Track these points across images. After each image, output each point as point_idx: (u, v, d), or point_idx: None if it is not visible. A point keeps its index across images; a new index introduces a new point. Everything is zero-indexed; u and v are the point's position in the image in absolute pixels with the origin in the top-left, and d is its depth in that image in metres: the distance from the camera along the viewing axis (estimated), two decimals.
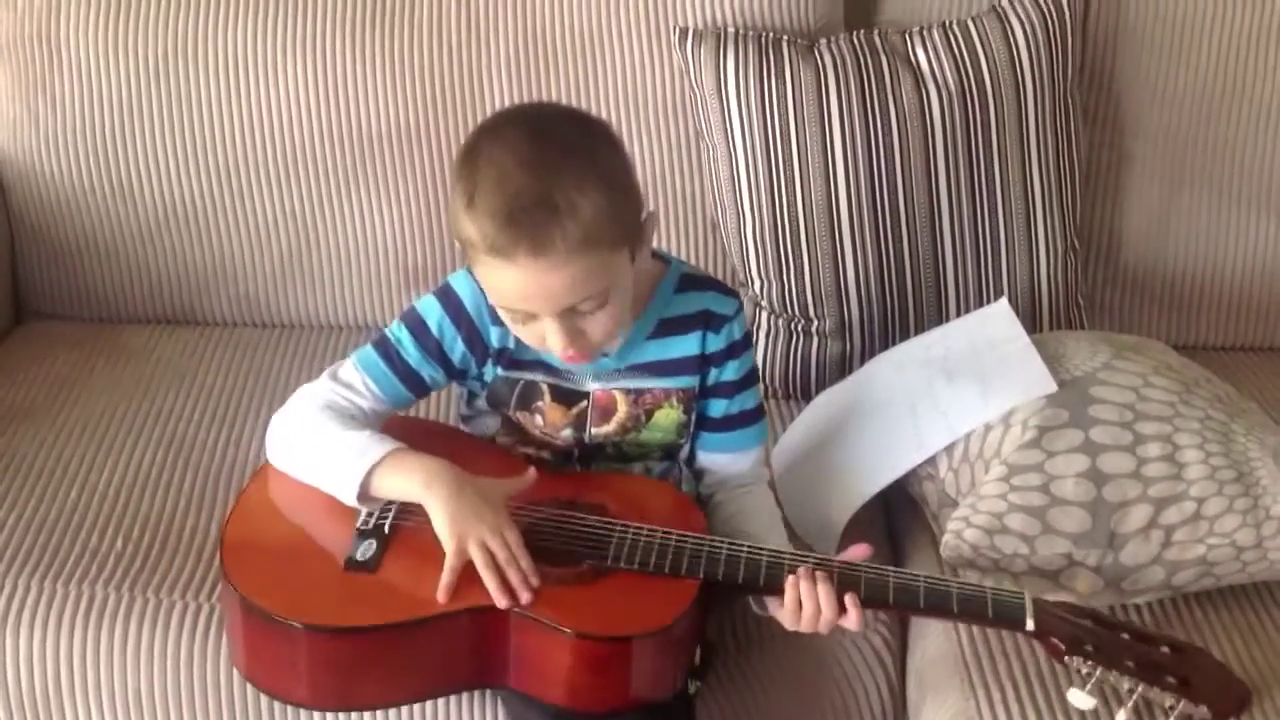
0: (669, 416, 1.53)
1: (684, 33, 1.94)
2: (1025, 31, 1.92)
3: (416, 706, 1.52)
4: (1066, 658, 1.36)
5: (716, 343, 1.52)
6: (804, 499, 1.71)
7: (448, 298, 1.48)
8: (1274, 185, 2.06)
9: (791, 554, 1.42)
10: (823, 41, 1.94)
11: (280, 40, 1.98)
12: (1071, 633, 1.37)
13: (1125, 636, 1.38)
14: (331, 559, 1.41)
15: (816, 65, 1.90)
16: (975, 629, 1.52)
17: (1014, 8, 1.94)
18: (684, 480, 1.60)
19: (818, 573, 1.37)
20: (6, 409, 1.88)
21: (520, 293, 1.35)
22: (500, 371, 1.50)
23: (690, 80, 1.94)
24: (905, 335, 1.92)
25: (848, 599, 1.36)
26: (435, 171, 2.00)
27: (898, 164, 1.89)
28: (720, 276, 2.01)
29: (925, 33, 1.94)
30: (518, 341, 1.47)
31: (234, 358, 2.00)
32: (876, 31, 1.97)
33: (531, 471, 1.45)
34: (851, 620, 1.37)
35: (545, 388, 1.51)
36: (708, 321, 1.52)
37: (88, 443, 1.80)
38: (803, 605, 1.37)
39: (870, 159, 1.89)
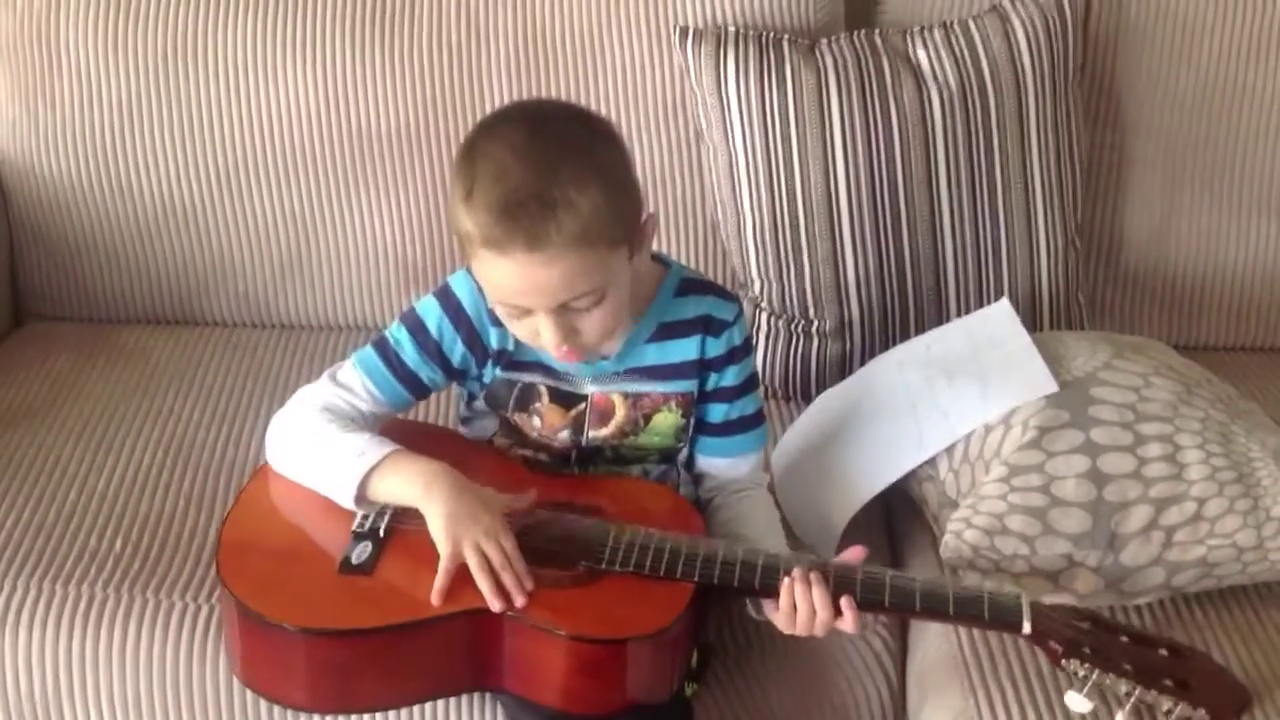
0: (667, 420, 1.53)
1: (684, 32, 1.93)
2: (1026, 31, 1.92)
3: (415, 709, 1.52)
4: (1064, 660, 1.35)
5: (716, 347, 1.52)
6: (804, 500, 1.71)
7: (447, 299, 1.48)
8: (1275, 186, 2.06)
9: (787, 556, 1.42)
10: (823, 41, 1.94)
11: (280, 41, 1.98)
12: (1069, 635, 1.36)
13: (1123, 639, 1.37)
14: (327, 562, 1.41)
15: (817, 65, 1.90)
16: (976, 631, 1.52)
17: (1015, 7, 1.94)
18: (682, 483, 1.60)
19: (812, 575, 1.37)
20: (6, 410, 1.88)
21: (515, 287, 1.35)
22: (499, 373, 1.50)
23: (690, 80, 1.94)
24: (905, 335, 1.91)
25: (843, 602, 1.36)
26: (435, 172, 2.00)
27: (898, 164, 1.89)
28: (720, 277, 2.01)
29: (926, 32, 1.94)
30: (517, 343, 1.47)
31: (233, 358, 2.00)
32: (877, 31, 1.96)
33: (532, 493, 1.44)
34: (848, 623, 1.37)
35: (544, 390, 1.51)
36: (707, 326, 1.51)
37: (87, 444, 1.80)
38: (797, 608, 1.37)
39: (871, 159, 1.89)
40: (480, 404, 1.55)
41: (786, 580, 1.37)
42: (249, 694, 1.51)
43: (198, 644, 1.54)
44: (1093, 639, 1.37)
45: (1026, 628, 1.36)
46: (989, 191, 1.92)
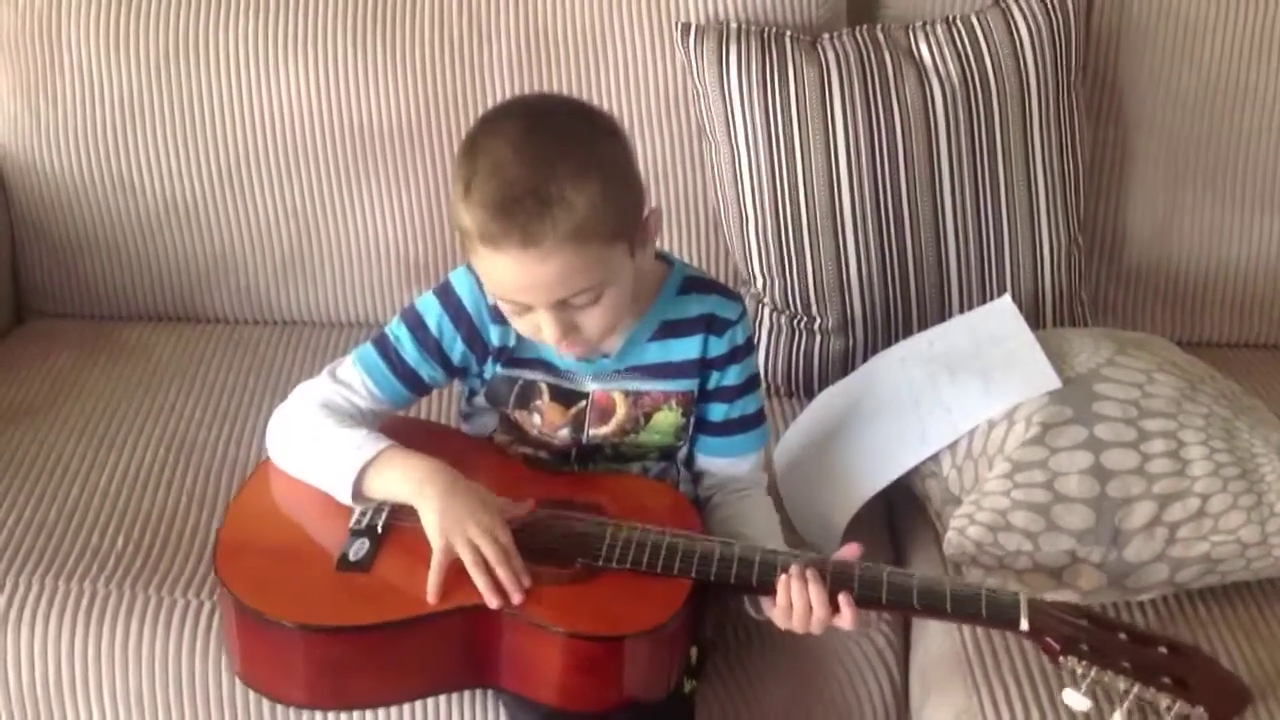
0: (668, 419, 1.53)
1: (686, 28, 1.93)
2: (1029, 27, 1.92)
3: (415, 706, 1.52)
4: (1061, 658, 1.35)
5: (718, 347, 1.52)
6: (806, 497, 1.71)
7: (447, 296, 1.47)
8: (1278, 183, 2.06)
9: (784, 553, 1.41)
10: (826, 37, 1.94)
11: (282, 36, 1.98)
12: (1067, 633, 1.36)
13: (1122, 636, 1.37)
14: (325, 559, 1.41)
15: (819, 61, 1.90)
16: (978, 627, 1.52)
17: (1017, 3, 1.94)
18: (681, 481, 1.59)
19: (809, 572, 1.37)
20: (7, 407, 1.88)
21: (512, 283, 1.35)
22: (500, 370, 1.50)
23: (693, 76, 1.94)
24: (908, 332, 1.91)
25: (841, 599, 1.36)
26: (437, 167, 2.00)
27: (901, 160, 1.89)
28: (722, 273, 2.01)
29: (928, 28, 1.94)
30: (519, 340, 1.47)
31: (235, 355, 2.00)
32: (879, 26, 1.96)
33: (529, 503, 1.44)
34: (845, 620, 1.36)
35: (544, 387, 1.50)
36: (710, 325, 1.51)
37: (89, 441, 1.80)
38: (794, 605, 1.36)
39: (873, 155, 1.89)
40: (480, 400, 1.55)
41: (783, 577, 1.37)
42: (250, 691, 1.51)
43: (199, 640, 1.54)
44: (1091, 636, 1.36)
45: (1024, 625, 1.36)
46: (991, 187, 1.92)
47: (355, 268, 2.06)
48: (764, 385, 1.72)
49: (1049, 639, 1.36)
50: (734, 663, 1.55)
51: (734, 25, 1.93)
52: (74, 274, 2.09)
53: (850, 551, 1.41)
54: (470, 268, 1.44)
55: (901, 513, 1.77)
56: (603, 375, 1.50)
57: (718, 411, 1.55)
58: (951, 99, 1.90)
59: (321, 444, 1.45)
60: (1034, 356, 1.63)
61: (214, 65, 1.99)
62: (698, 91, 1.94)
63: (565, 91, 1.97)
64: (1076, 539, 1.52)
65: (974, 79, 1.90)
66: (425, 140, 1.99)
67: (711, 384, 1.53)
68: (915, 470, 1.65)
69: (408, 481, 1.40)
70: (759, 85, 1.89)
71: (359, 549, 1.41)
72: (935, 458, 1.64)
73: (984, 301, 1.92)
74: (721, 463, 1.57)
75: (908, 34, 1.94)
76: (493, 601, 1.34)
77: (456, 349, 1.49)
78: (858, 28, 1.96)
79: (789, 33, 1.93)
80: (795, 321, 1.96)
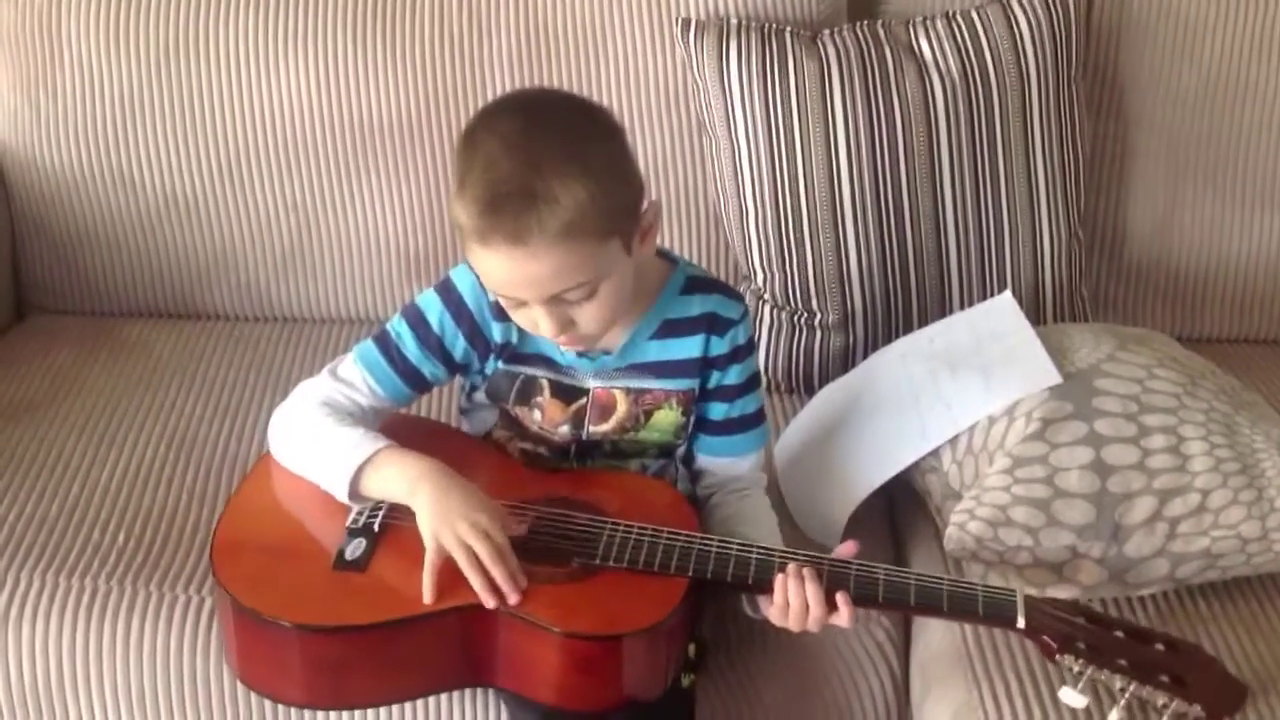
0: (668, 418, 1.53)
1: (686, 24, 1.93)
2: (1029, 22, 1.92)
3: (414, 705, 1.52)
4: (1058, 656, 1.35)
5: (720, 346, 1.51)
6: (807, 493, 1.71)
7: (448, 293, 1.47)
8: (1278, 180, 2.06)
9: (781, 551, 1.41)
10: (826, 32, 1.94)
11: (282, 31, 1.98)
12: (1064, 631, 1.36)
13: (1119, 634, 1.37)
14: (321, 558, 1.41)
15: (820, 56, 1.90)
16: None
17: None
18: (679, 479, 1.59)
19: (806, 570, 1.37)
20: (8, 404, 1.87)
21: (504, 279, 1.35)
22: (501, 366, 1.50)
23: (693, 72, 1.94)
24: (909, 328, 1.91)
25: (839, 597, 1.36)
26: (438, 162, 2.00)
27: (901, 156, 1.89)
28: (723, 269, 2.01)
29: (929, 23, 1.94)
30: (521, 336, 1.47)
31: (236, 352, 2.00)
32: (880, 22, 1.96)
33: (524, 527, 1.42)
34: (842, 618, 1.36)
35: (545, 383, 1.50)
36: (712, 325, 1.51)
37: (89, 437, 1.80)
38: (790, 603, 1.36)
39: (873, 151, 1.89)
40: (480, 396, 1.55)
41: (780, 576, 1.37)
42: None
43: (200, 636, 1.54)
44: (1088, 634, 1.36)
45: (1021, 622, 1.36)
46: (992, 183, 1.92)
47: (355, 263, 2.06)
48: (764, 382, 1.72)
49: (1046, 637, 1.36)
50: (734, 658, 1.55)
51: (734, 20, 1.93)
52: (74, 270, 2.09)
53: (847, 550, 1.41)
54: (471, 265, 1.44)
55: (902, 508, 1.77)
56: (604, 372, 1.50)
57: (718, 410, 1.55)
58: (952, 94, 1.90)
59: (320, 443, 1.45)
60: (1034, 352, 1.63)
61: (214, 60, 1.99)
62: (698, 87, 1.94)
63: (565, 87, 1.96)
64: (1077, 534, 1.52)
65: (974, 74, 1.90)
66: (425, 135, 1.99)
67: (712, 383, 1.53)
68: (916, 466, 1.66)
69: (403, 481, 1.40)
70: (759, 80, 1.88)
71: (356, 548, 1.41)
72: (936, 453, 1.64)
73: (984, 297, 1.92)
74: (721, 462, 1.57)
75: (908, 29, 1.94)
76: (488, 601, 1.34)
77: (458, 346, 1.48)
78: (858, 23, 1.96)
79: (789, 28, 1.93)
80: (796, 318, 1.96)
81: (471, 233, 1.32)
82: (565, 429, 1.52)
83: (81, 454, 1.77)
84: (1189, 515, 1.52)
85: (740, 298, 1.55)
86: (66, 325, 2.07)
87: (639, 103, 1.99)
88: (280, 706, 1.52)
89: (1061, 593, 1.53)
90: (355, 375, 1.49)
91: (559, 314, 1.36)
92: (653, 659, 1.39)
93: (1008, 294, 1.78)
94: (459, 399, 1.61)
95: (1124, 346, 1.65)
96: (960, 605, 1.38)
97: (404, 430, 1.50)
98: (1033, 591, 1.48)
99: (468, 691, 1.51)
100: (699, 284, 1.52)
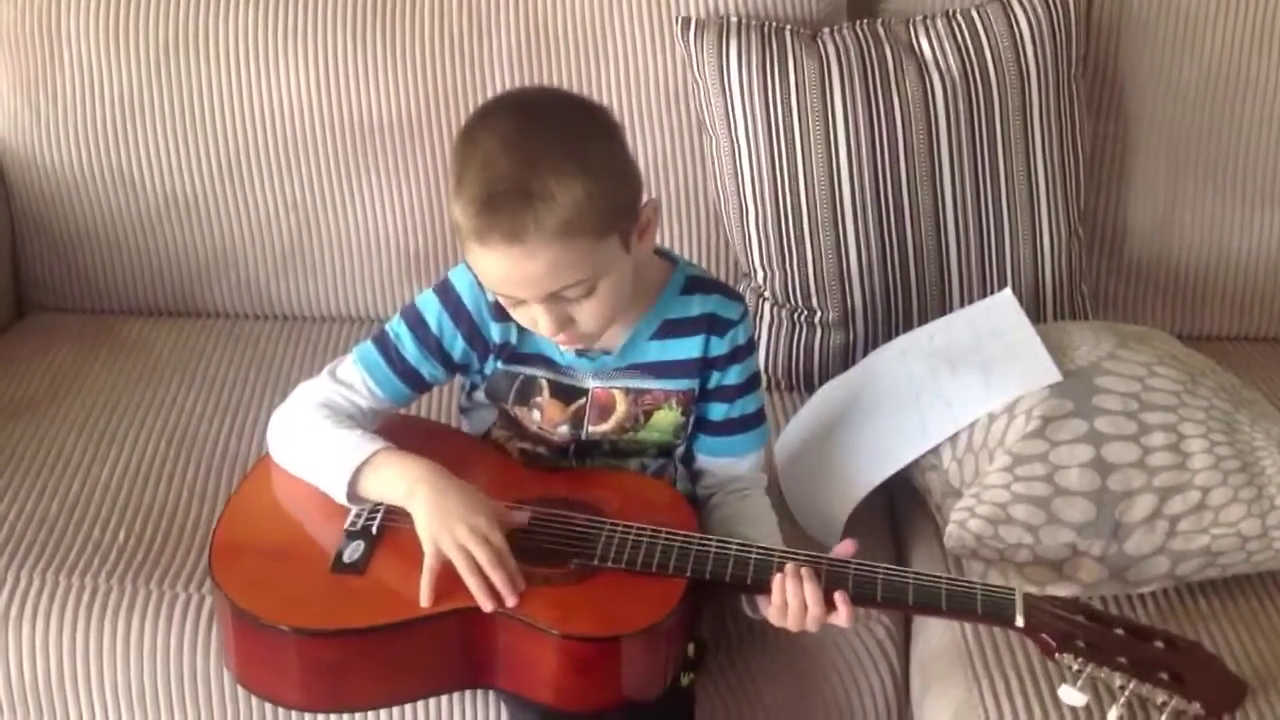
0: (667, 418, 1.53)
1: (686, 22, 1.93)
2: (1029, 20, 1.92)
3: (414, 706, 1.52)
4: (1057, 654, 1.35)
5: (719, 347, 1.51)
6: (807, 490, 1.71)
7: (447, 294, 1.47)
8: (1279, 176, 2.06)
9: (780, 551, 1.41)
10: (826, 31, 1.94)
11: (282, 29, 1.98)
12: (1063, 629, 1.35)
13: (1119, 632, 1.37)
14: (319, 560, 1.40)
15: (819, 55, 1.90)
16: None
17: None
18: (679, 478, 1.59)
19: (804, 570, 1.36)
20: (8, 402, 1.88)
21: (502, 278, 1.34)
22: (501, 366, 1.50)
23: (693, 70, 1.94)
24: (909, 325, 1.91)
25: (837, 596, 1.36)
26: (437, 161, 2.00)
27: (901, 154, 1.89)
28: (723, 267, 2.01)
29: (929, 22, 1.94)
30: (520, 336, 1.47)
31: (236, 350, 2.00)
32: (880, 20, 1.96)
33: (525, 515, 1.43)
34: (841, 617, 1.36)
35: (545, 383, 1.50)
36: (712, 325, 1.51)
37: (89, 435, 1.80)
38: (789, 603, 1.36)
39: (873, 149, 1.89)
40: (480, 396, 1.55)
41: (778, 576, 1.37)
42: None
43: (201, 635, 1.54)
44: (1087, 632, 1.36)
45: (1019, 621, 1.36)
46: (992, 181, 1.92)
47: (355, 262, 2.06)
48: (764, 380, 1.72)
49: (1045, 635, 1.35)
50: (734, 657, 1.55)
51: (734, 19, 1.93)
52: (74, 268, 2.09)
53: (845, 548, 1.41)
54: (469, 265, 1.44)
55: (902, 506, 1.77)
56: (603, 372, 1.50)
57: (718, 411, 1.55)
58: (952, 93, 1.90)
59: (318, 444, 1.45)
60: (1035, 350, 1.63)
61: (213, 60, 1.98)
62: (697, 85, 1.94)
63: (565, 86, 1.96)
64: (1077, 532, 1.52)
65: (974, 73, 1.90)
66: (425, 134, 1.99)
67: (712, 383, 1.53)
68: (916, 463, 1.66)
69: (400, 483, 1.40)
70: (759, 79, 1.88)
71: (354, 551, 1.41)
72: (936, 451, 1.64)
73: (984, 294, 1.92)
74: (721, 462, 1.57)
75: (908, 28, 1.94)
76: (486, 605, 1.34)
77: (457, 347, 1.48)
78: (858, 21, 1.96)
79: (789, 26, 1.93)
80: (796, 315, 1.96)
81: (469, 232, 1.32)
82: (564, 429, 1.52)
83: (82, 452, 1.77)
84: (1189, 513, 1.52)
85: (740, 298, 1.55)
86: (66, 323, 2.08)
87: (639, 102, 1.99)
88: (278, 707, 1.52)
89: (1062, 590, 1.54)
90: (354, 376, 1.49)
91: (558, 312, 1.36)
92: (651, 660, 1.39)
93: (1008, 291, 1.78)
94: (459, 398, 1.61)
95: (1124, 344, 1.65)
96: (959, 604, 1.38)
97: (403, 430, 1.50)
98: (1033, 589, 1.48)
99: (467, 693, 1.51)
100: (699, 284, 1.52)
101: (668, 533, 1.41)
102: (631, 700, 1.38)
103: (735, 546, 1.40)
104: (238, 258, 2.06)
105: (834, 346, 1.96)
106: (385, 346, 1.49)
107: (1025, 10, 1.92)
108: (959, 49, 1.91)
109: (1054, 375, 1.58)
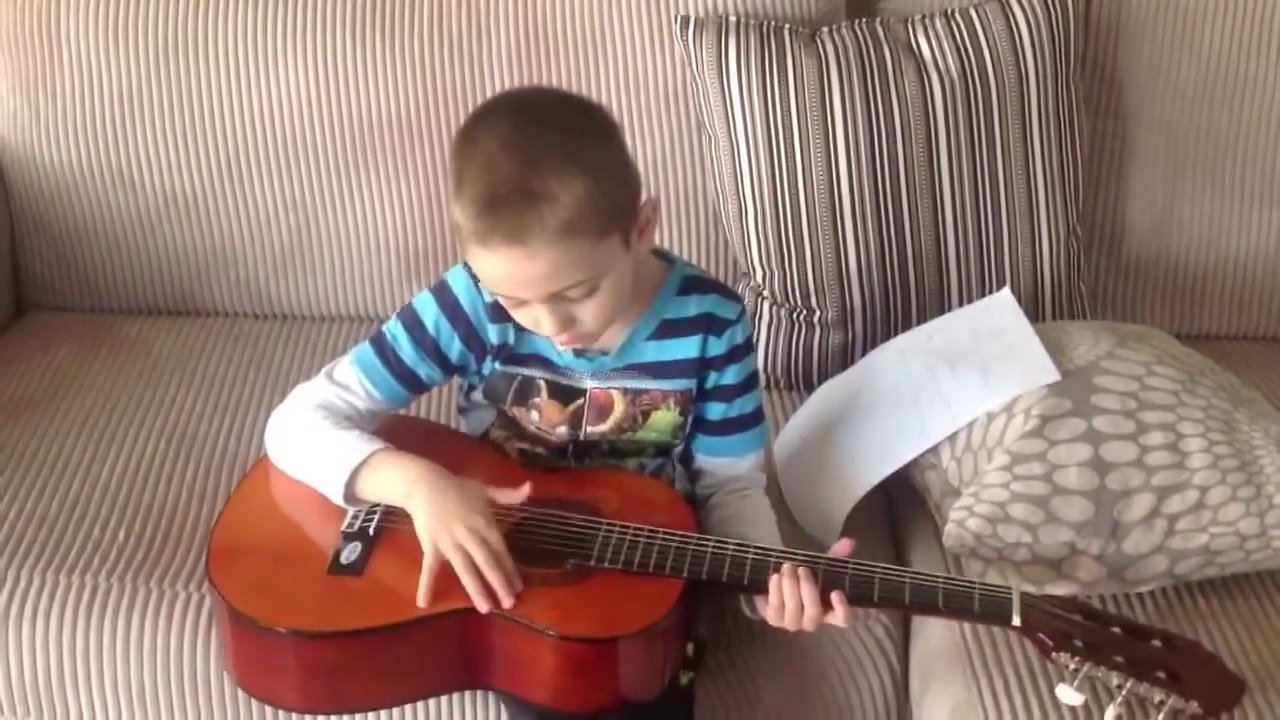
0: (665, 418, 1.53)
1: (685, 21, 1.93)
2: (1028, 20, 1.92)
3: (413, 707, 1.52)
4: (1054, 654, 1.35)
5: (717, 346, 1.51)
6: (806, 490, 1.71)
7: (444, 296, 1.47)
8: (1277, 175, 2.06)
9: (776, 552, 1.41)
10: (824, 30, 1.94)
11: (281, 28, 1.98)
12: (1060, 628, 1.35)
13: (1116, 631, 1.36)
14: (317, 562, 1.40)
15: (818, 54, 1.90)
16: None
17: None
18: (678, 477, 1.59)
19: (801, 570, 1.36)
20: (7, 401, 1.88)
21: (504, 279, 1.34)
22: (498, 366, 1.50)
23: (692, 70, 1.94)
24: (907, 325, 1.91)
25: (834, 596, 1.35)
26: (437, 160, 2.00)
27: (900, 153, 1.89)
28: (722, 266, 2.02)
29: (927, 21, 1.94)
30: (518, 337, 1.47)
31: (235, 349, 2.00)
32: (878, 20, 1.96)
33: (526, 487, 1.42)
34: (838, 617, 1.36)
35: (543, 384, 1.50)
36: (709, 325, 1.51)
37: (89, 434, 1.80)
38: (786, 603, 1.36)
39: (872, 148, 1.89)
40: (478, 396, 1.55)
41: (775, 576, 1.37)
42: None
43: (200, 634, 1.55)
44: (1084, 632, 1.36)
45: (1016, 620, 1.35)
46: (990, 180, 1.92)
47: (354, 261, 2.06)
48: (763, 379, 1.72)
49: (1041, 635, 1.35)
50: (734, 656, 1.55)
51: (733, 19, 1.93)
52: (74, 268, 2.09)
53: (843, 548, 1.41)
54: (466, 266, 1.44)
55: (901, 505, 1.77)
56: (601, 373, 1.50)
57: (716, 410, 1.55)
58: (950, 92, 1.90)
59: (316, 446, 1.45)
60: (1033, 349, 1.63)
61: (212, 59, 1.98)
62: (696, 86, 1.94)
63: (564, 84, 1.97)
64: (1076, 531, 1.52)
65: (973, 72, 1.90)
66: (424, 134, 1.99)
67: (710, 383, 1.53)
68: (915, 462, 1.66)
69: (399, 483, 1.40)
70: (758, 79, 1.88)
71: (351, 552, 1.41)
72: (935, 450, 1.64)
73: (983, 294, 1.92)
74: (720, 462, 1.57)
75: (906, 27, 1.94)
76: (482, 606, 1.34)
77: (454, 348, 1.48)
78: (856, 21, 1.96)
79: (788, 26, 1.93)
80: (795, 315, 1.96)
81: (471, 234, 1.32)
82: (563, 429, 1.52)
83: (81, 451, 1.77)
84: (1187, 512, 1.52)
85: (738, 298, 1.55)
86: (66, 322, 2.08)
87: (638, 102, 1.99)
88: (279, 708, 1.52)
89: (1060, 589, 1.54)
90: (351, 378, 1.49)
91: (560, 312, 1.36)
92: (649, 660, 1.39)
93: (1006, 291, 1.78)
94: (457, 398, 1.61)
95: (1123, 343, 1.65)
96: (956, 604, 1.38)
97: (401, 430, 1.50)
98: (1031, 588, 1.48)
99: (466, 693, 1.51)
100: (696, 284, 1.52)
101: (665, 533, 1.41)
102: (629, 700, 1.38)
103: (732, 546, 1.40)
104: (237, 257, 2.06)
105: (833, 346, 1.96)
106: (382, 348, 1.49)
107: (1024, 9, 1.92)
108: (958, 48, 1.91)
109: (1052, 374, 1.58)
